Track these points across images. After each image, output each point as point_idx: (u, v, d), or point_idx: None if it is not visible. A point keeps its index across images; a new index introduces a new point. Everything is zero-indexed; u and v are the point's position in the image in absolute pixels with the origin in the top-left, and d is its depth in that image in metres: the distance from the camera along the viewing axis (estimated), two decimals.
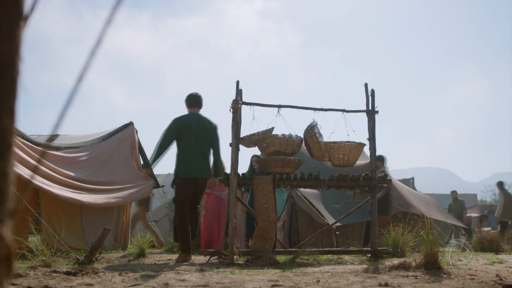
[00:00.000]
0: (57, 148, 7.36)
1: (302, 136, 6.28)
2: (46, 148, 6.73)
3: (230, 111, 5.84)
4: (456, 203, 14.01)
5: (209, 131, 6.00)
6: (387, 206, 7.94)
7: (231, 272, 4.28)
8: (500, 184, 13.33)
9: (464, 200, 14.84)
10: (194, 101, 6.09)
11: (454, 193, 14.35)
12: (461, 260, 5.46)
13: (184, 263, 5.28)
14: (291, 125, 6.19)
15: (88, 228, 7.45)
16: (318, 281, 3.60)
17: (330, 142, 6.18)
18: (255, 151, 7.36)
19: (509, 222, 12.69)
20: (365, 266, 4.83)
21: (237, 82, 5.99)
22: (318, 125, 6.26)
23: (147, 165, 6.29)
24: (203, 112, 6.21)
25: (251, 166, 8.31)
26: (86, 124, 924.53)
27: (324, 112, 6.27)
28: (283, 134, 6.10)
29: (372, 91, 6.29)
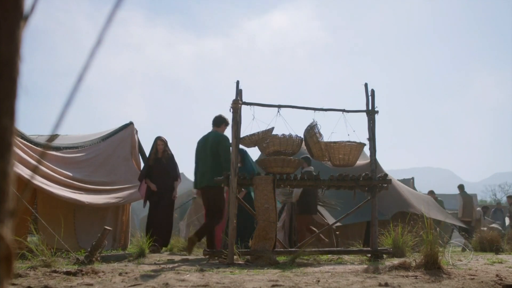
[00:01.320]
0: (57, 148, 7.36)
1: (302, 136, 6.27)
2: (46, 148, 6.73)
3: (230, 111, 5.84)
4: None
5: (211, 144, 6.64)
6: (308, 205, 7.87)
7: (231, 272, 4.28)
8: (461, 187, 14.19)
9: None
10: (213, 121, 6.92)
11: (431, 193, 14.37)
12: (461, 260, 5.46)
13: (184, 264, 5.28)
14: (291, 125, 6.20)
15: (81, 229, 7.46)
16: (318, 281, 3.60)
17: (330, 142, 6.18)
18: (256, 151, 7.35)
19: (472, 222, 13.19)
20: (365, 266, 4.83)
21: (237, 82, 5.99)
22: (318, 125, 6.26)
23: (195, 186, 7.03)
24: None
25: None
26: (88, 125, 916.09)
27: (324, 112, 6.27)
28: (283, 134, 6.10)
29: (372, 91, 6.29)
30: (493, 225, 12.24)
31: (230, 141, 6.29)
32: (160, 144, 7.78)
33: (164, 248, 7.71)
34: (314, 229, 7.86)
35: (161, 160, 7.74)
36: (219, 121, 6.87)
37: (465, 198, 13.68)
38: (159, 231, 7.18)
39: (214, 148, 6.63)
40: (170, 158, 7.86)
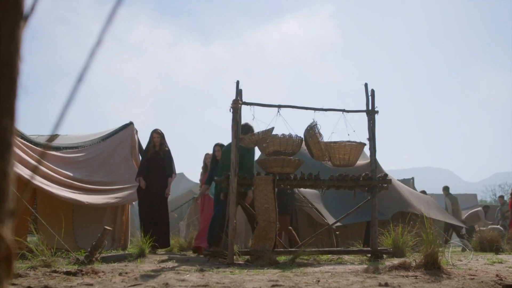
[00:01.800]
0: (57, 148, 7.37)
1: (302, 136, 6.27)
2: (46, 148, 6.73)
3: (230, 111, 5.84)
4: None
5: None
6: (283, 205, 7.57)
7: (231, 272, 4.28)
8: (447, 189, 14.00)
9: (464, 200, 14.77)
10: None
11: (423, 193, 14.31)
12: (461, 260, 5.46)
13: (184, 264, 5.28)
14: (291, 125, 6.19)
15: (79, 229, 7.47)
16: (318, 281, 3.60)
17: (330, 142, 6.17)
18: (255, 151, 7.26)
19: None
20: (365, 266, 4.83)
21: (237, 82, 5.99)
22: (318, 125, 6.26)
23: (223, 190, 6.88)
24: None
25: (213, 156, 7.65)
26: (91, 126, 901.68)
27: (324, 112, 6.27)
28: (283, 134, 6.10)
29: (372, 91, 6.29)
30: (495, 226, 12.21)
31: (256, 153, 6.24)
32: (156, 136, 7.61)
33: (163, 249, 7.69)
34: (291, 229, 7.74)
35: (158, 154, 7.61)
36: (245, 130, 6.69)
37: (453, 200, 13.60)
38: (158, 231, 7.06)
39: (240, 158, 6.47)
40: (167, 153, 7.71)
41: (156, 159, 7.55)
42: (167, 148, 7.73)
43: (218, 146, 7.40)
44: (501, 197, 16.15)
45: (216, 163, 7.30)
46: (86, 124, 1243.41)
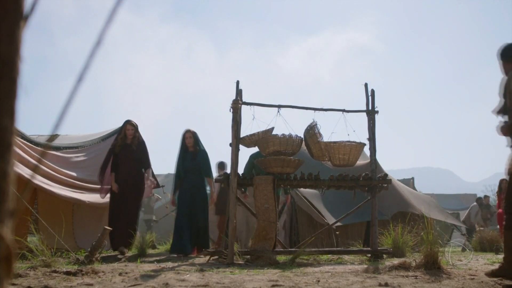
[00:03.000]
0: (57, 148, 7.37)
1: (302, 136, 6.27)
2: (46, 148, 6.73)
3: (230, 111, 5.84)
4: None
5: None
6: (225, 205, 6.91)
7: (231, 272, 4.28)
8: None
9: (464, 200, 14.75)
10: None
11: None
12: (461, 260, 5.46)
13: (184, 263, 5.28)
14: (291, 125, 6.19)
15: (79, 229, 7.46)
16: (318, 281, 3.60)
17: (330, 142, 6.18)
18: (255, 150, 7.21)
19: None
20: (365, 266, 4.83)
21: (237, 82, 5.99)
22: (318, 125, 6.26)
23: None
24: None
25: (183, 143, 6.96)
26: (95, 127, 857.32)
27: (324, 112, 6.27)
28: (283, 134, 6.10)
29: (372, 91, 6.29)
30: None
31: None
32: (129, 128, 6.80)
33: (163, 249, 7.67)
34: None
35: (130, 146, 6.80)
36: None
37: None
38: (122, 229, 6.30)
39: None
40: (141, 144, 6.90)
41: (128, 152, 6.78)
42: (140, 140, 6.92)
43: (189, 132, 6.84)
44: (487, 197, 16.05)
45: (186, 152, 6.82)
46: (91, 124, 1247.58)
